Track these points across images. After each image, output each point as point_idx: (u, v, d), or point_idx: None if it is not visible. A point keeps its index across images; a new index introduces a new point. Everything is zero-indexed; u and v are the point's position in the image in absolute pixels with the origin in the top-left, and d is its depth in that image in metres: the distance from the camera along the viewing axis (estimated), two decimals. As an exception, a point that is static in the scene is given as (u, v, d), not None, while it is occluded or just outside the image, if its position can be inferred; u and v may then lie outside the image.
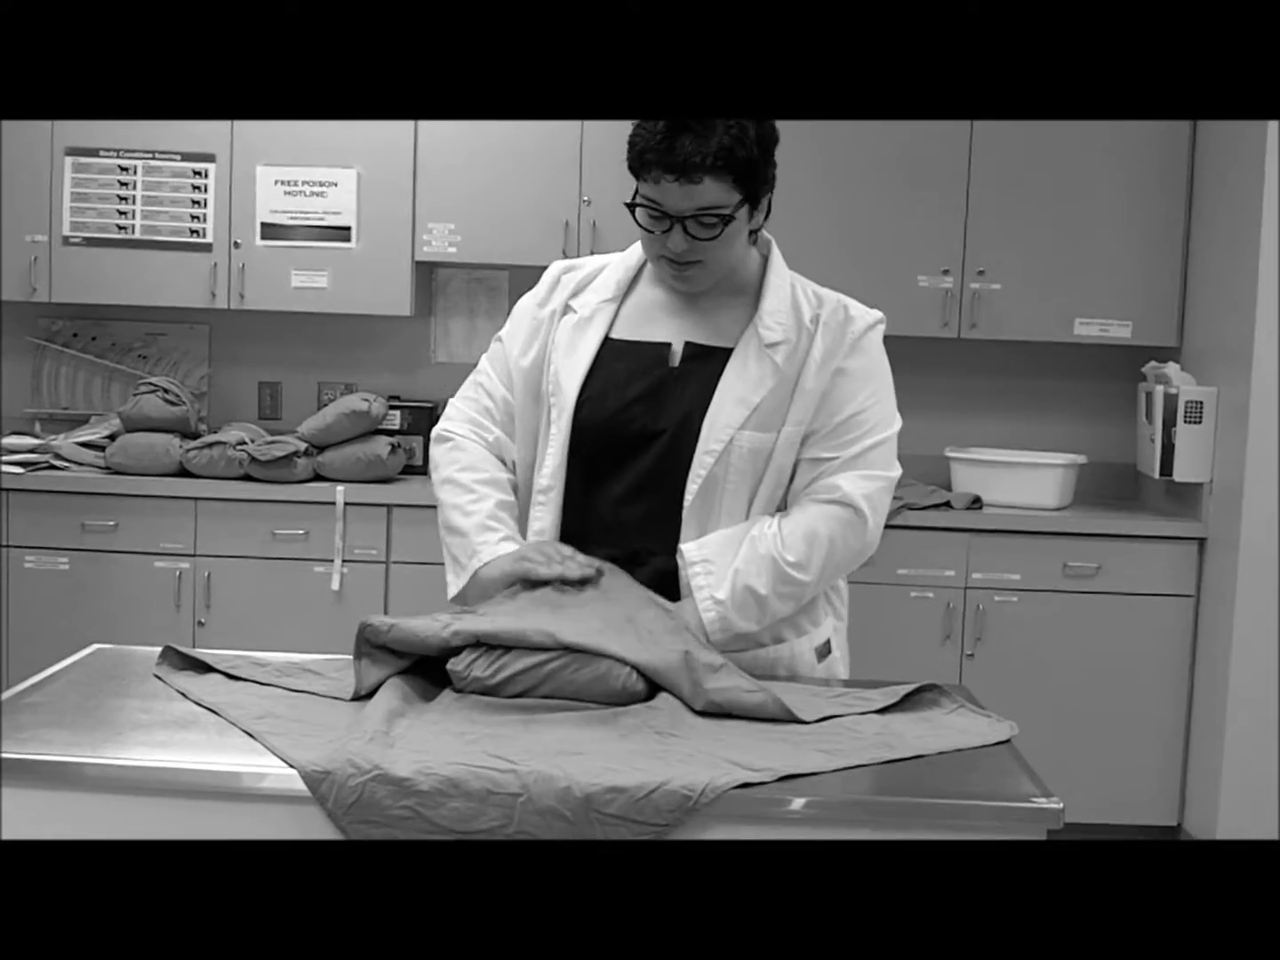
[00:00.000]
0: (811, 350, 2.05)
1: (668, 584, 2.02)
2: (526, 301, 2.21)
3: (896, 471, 2.14)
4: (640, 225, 2.02)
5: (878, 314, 2.14)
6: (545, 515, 2.09)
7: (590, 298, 2.14)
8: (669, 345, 2.08)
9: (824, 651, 2.19)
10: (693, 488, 2.02)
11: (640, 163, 1.96)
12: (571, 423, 2.07)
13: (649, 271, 2.15)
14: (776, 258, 2.15)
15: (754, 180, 1.98)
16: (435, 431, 2.23)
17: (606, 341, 2.10)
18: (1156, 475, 4.15)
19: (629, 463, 2.06)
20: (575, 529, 2.08)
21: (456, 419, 2.20)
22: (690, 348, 2.07)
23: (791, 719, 1.77)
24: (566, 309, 2.15)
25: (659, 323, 2.11)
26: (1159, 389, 4.11)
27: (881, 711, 1.85)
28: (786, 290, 2.10)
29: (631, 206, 2.01)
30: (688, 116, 1.91)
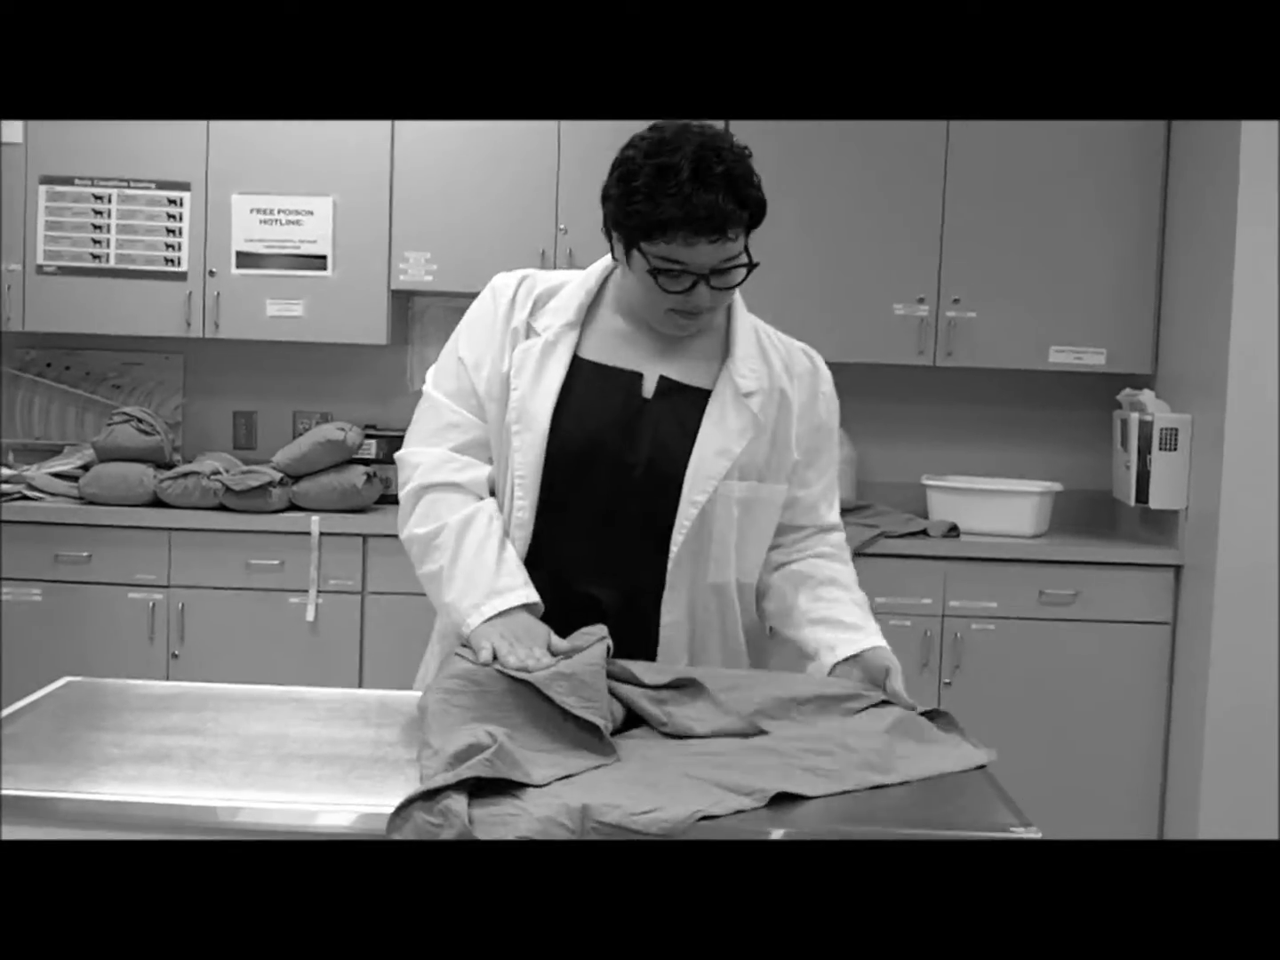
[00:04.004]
0: (790, 404, 2.09)
1: (628, 620, 1.98)
2: (484, 314, 2.08)
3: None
4: (664, 289, 1.93)
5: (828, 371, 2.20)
6: (519, 551, 2.00)
7: (551, 320, 2.04)
8: (640, 375, 2.04)
9: None
10: (678, 538, 2.00)
11: (661, 227, 1.86)
12: (544, 448, 1.99)
13: (610, 298, 2.08)
14: (739, 301, 2.10)
15: (761, 219, 1.95)
16: (420, 482, 2.03)
17: (575, 361, 2.04)
18: (1132, 502, 4.16)
19: (600, 494, 2.00)
20: (546, 562, 2.01)
21: (431, 472, 2.03)
22: (664, 381, 2.04)
23: (756, 731, 1.76)
24: (529, 330, 2.05)
25: (627, 353, 2.05)
26: (1134, 416, 4.13)
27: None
28: (753, 336, 2.09)
29: (654, 273, 1.91)
30: (722, 169, 1.86)
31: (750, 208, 1.91)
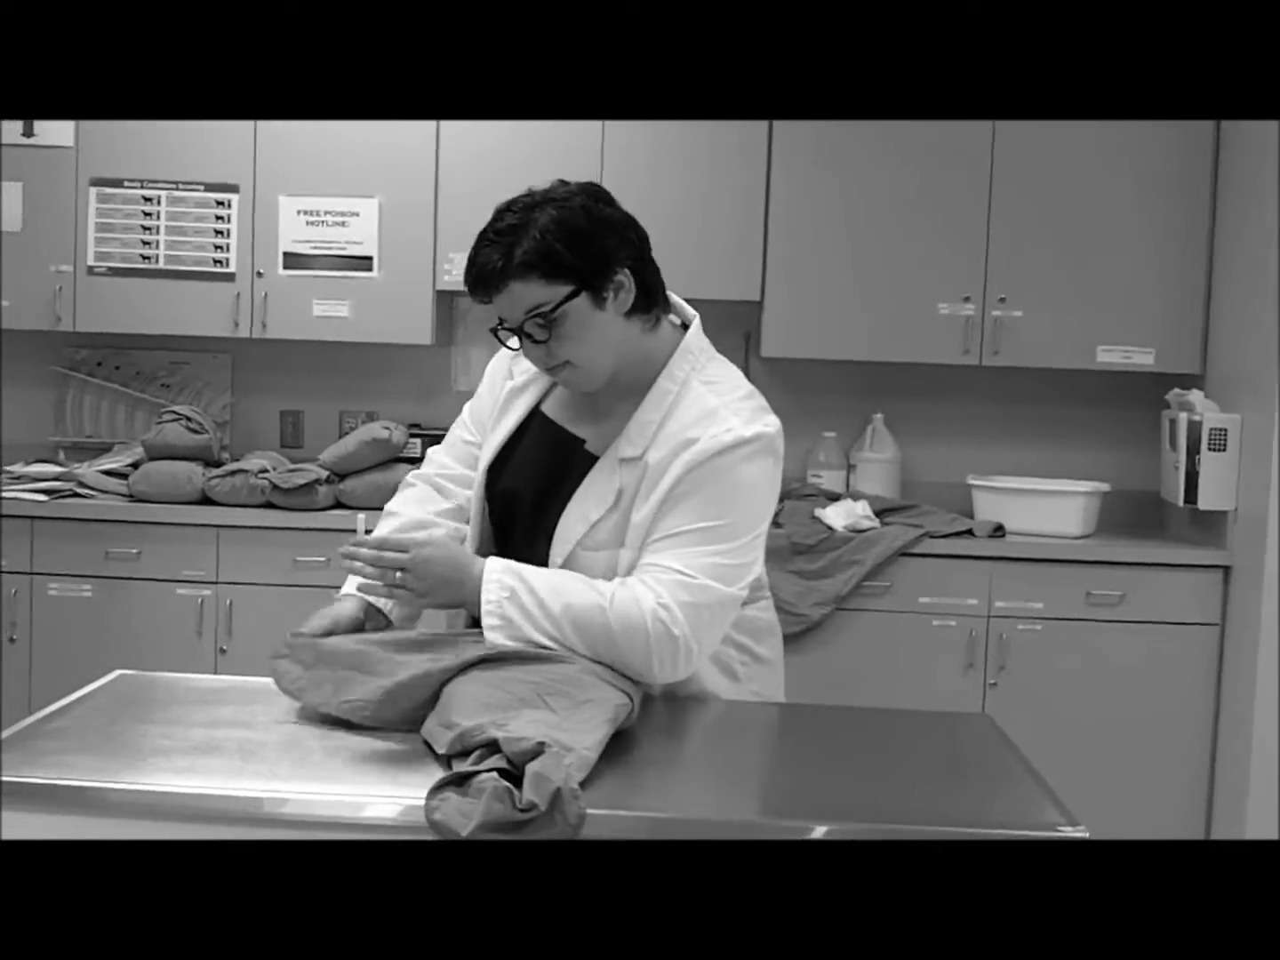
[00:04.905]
0: (653, 471, 1.95)
1: None
2: (494, 360, 2.24)
3: (728, 589, 1.92)
4: (505, 345, 2.02)
5: (755, 430, 1.96)
6: None
7: (527, 365, 2.10)
8: (581, 441, 2.06)
9: None
10: None
11: (467, 286, 1.95)
12: (483, 491, 2.10)
13: None
14: (679, 356, 2.03)
15: (572, 270, 1.90)
16: (405, 478, 2.27)
17: (536, 413, 2.11)
18: (1181, 503, 4.12)
19: (517, 546, 2.06)
20: None
21: (429, 466, 2.26)
22: (589, 450, 2.04)
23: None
24: (511, 371, 2.17)
25: (575, 413, 2.08)
26: (1183, 416, 4.10)
27: None
28: (669, 396, 1.99)
29: (494, 331, 2.00)
30: (499, 227, 1.92)
31: (524, 259, 1.88)
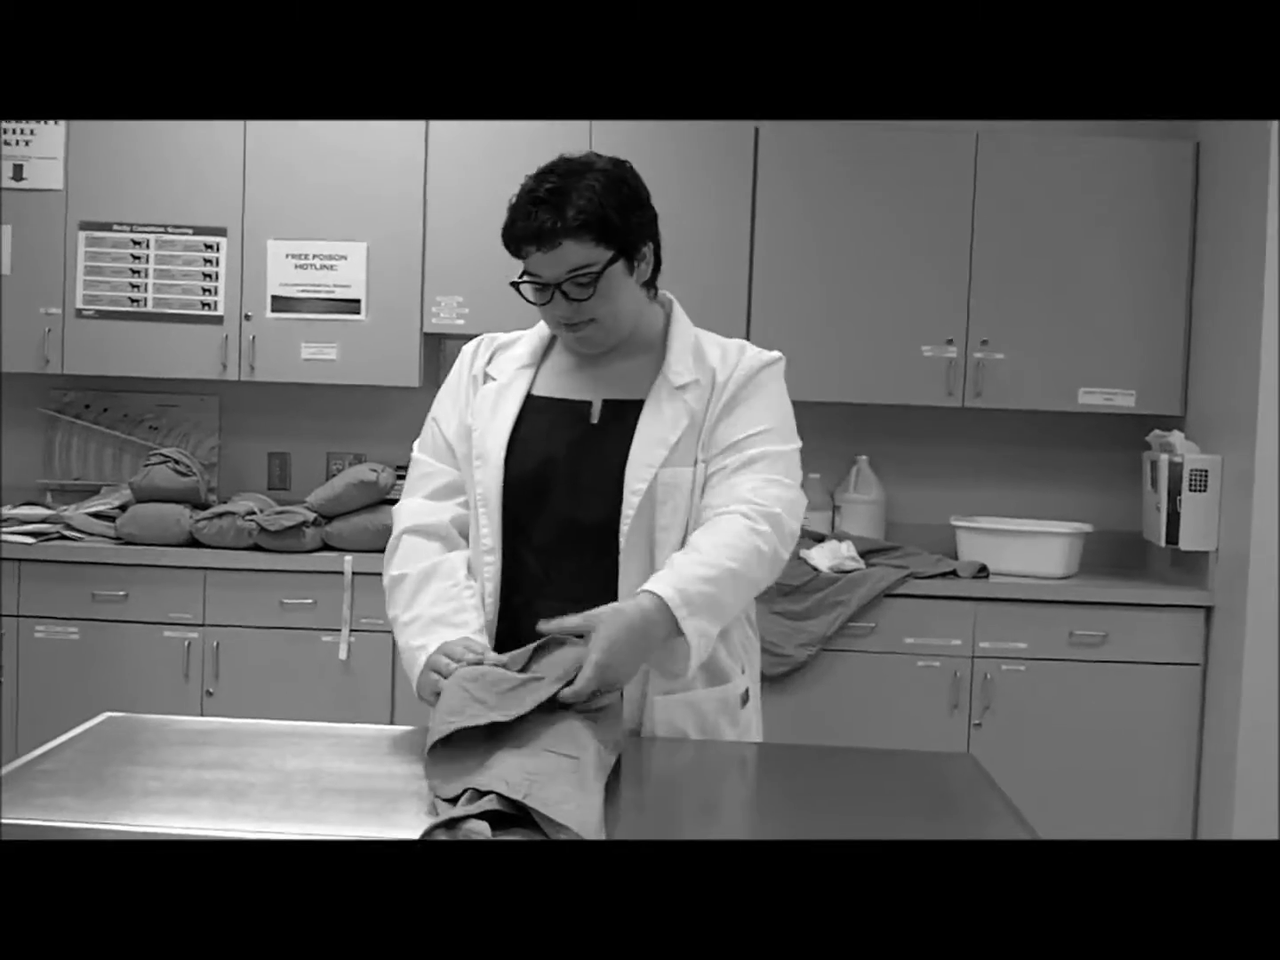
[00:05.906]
0: (716, 390, 2.14)
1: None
2: (452, 377, 2.32)
3: (795, 480, 2.15)
4: (527, 300, 2.14)
5: (775, 354, 2.21)
6: (490, 575, 2.13)
7: (507, 365, 2.25)
8: (589, 403, 2.16)
9: (744, 699, 2.20)
10: (624, 528, 2.06)
11: (510, 240, 2.08)
12: (502, 478, 2.13)
13: (561, 340, 2.23)
14: (678, 313, 2.23)
15: (618, 235, 2.06)
16: (397, 530, 2.22)
17: (529, 399, 2.19)
18: (1162, 544, 4.16)
19: (556, 515, 2.11)
20: (513, 584, 2.13)
21: (406, 518, 2.23)
22: (608, 405, 2.15)
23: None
24: (486, 377, 2.25)
25: (576, 383, 2.19)
26: (1164, 457, 4.13)
27: None
28: (690, 340, 2.19)
29: (515, 285, 2.13)
30: (548, 187, 2.04)
31: (581, 221, 2.01)
